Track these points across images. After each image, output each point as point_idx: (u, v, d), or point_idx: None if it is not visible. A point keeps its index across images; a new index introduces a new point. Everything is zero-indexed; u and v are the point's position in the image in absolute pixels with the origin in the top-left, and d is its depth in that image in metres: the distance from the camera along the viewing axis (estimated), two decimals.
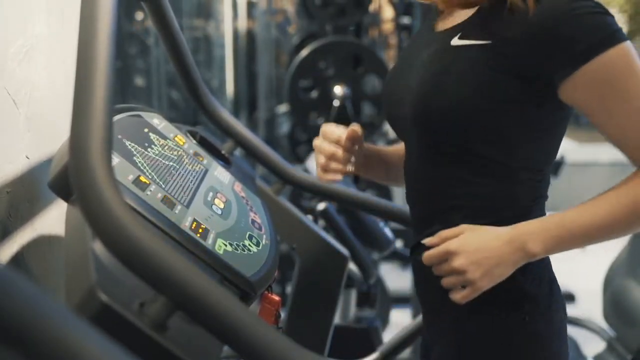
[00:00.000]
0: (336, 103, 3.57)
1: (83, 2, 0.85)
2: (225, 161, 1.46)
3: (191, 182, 1.14)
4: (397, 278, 4.50)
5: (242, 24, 5.80)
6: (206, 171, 1.27)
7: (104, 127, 0.75)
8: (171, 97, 4.46)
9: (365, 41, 4.04)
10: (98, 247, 0.74)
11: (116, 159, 0.98)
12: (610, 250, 3.06)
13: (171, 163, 1.15)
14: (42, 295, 0.49)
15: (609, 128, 1.01)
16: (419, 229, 1.16)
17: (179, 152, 1.23)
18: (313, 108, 3.67)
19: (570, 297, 4.22)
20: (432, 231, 1.08)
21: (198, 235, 0.98)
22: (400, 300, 3.93)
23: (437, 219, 1.11)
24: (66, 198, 0.93)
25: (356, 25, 3.86)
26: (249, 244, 1.10)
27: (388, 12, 6.14)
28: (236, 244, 1.06)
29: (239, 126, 1.58)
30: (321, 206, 2.07)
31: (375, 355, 1.62)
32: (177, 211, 1.00)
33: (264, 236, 1.19)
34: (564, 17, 0.97)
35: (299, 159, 4.14)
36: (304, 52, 3.62)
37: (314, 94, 3.66)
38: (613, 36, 0.96)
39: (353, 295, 2.83)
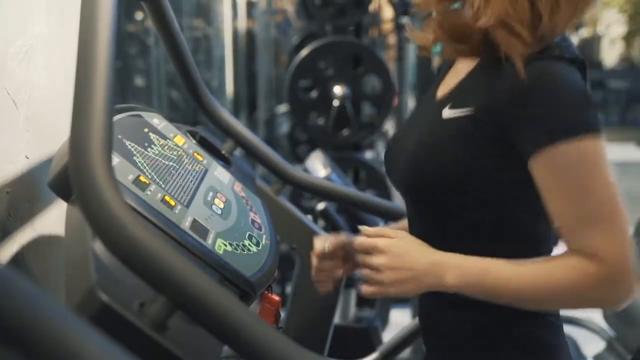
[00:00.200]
0: (336, 103, 3.57)
1: (83, 2, 0.85)
2: (225, 161, 1.46)
3: (191, 182, 1.14)
4: None
5: (242, 23, 5.80)
6: (206, 171, 1.27)
7: (104, 127, 0.75)
8: (171, 97, 4.46)
9: (365, 41, 4.04)
10: (98, 247, 0.74)
11: (116, 159, 0.98)
12: None
13: (171, 163, 1.15)
14: (42, 295, 0.49)
15: (554, 209, 1.00)
16: None
17: (179, 152, 1.23)
18: (313, 108, 3.67)
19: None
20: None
21: (198, 235, 0.98)
22: (400, 300, 3.92)
23: None
24: (66, 198, 0.93)
25: (356, 25, 3.86)
26: (249, 244, 1.10)
27: (388, 12, 6.14)
28: (236, 243, 1.06)
29: (239, 126, 1.58)
30: (321, 206, 2.07)
31: (375, 355, 1.62)
32: (177, 211, 1.00)
33: (264, 236, 1.19)
34: (541, 95, 0.97)
35: (299, 159, 4.14)
36: (304, 52, 3.62)
37: (314, 94, 3.66)
38: (582, 127, 0.96)
39: (353, 295, 2.83)
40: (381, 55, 4.30)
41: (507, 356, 1.08)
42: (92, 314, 0.71)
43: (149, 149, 1.12)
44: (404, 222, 1.32)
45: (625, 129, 8.55)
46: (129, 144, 1.06)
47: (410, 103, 5.51)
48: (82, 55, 0.80)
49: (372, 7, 4.25)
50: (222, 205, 1.16)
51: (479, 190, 1.04)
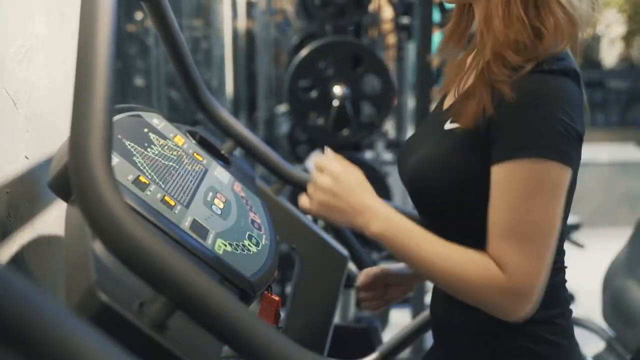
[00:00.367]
0: (336, 103, 3.56)
1: (83, 2, 0.85)
2: (225, 161, 1.46)
3: (191, 182, 1.14)
4: None
5: (242, 23, 5.80)
6: (206, 171, 1.27)
7: (103, 127, 0.75)
8: (171, 97, 4.45)
9: (365, 41, 4.04)
10: (98, 247, 0.74)
11: (116, 159, 0.98)
12: (609, 250, 3.06)
13: (171, 163, 1.15)
14: (41, 296, 0.49)
15: (492, 214, 1.02)
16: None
17: (179, 152, 1.23)
18: (312, 108, 3.67)
19: (570, 297, 4.22)
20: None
21: (198, 235, 0.98)
22: (399, 300, 3.92)
23: None
24: (66, 198, 0.93)
25: (356, 25, 3.86)
26: (249, 244, 1.10)
27: (387, 12, 6.14)
28: (236, 244, 1.06)
29: (239, 126, 1.58)
30: None
31: (374, 355, 1.62)
32: (176, 211, 1.00)
33: (264, 236, 1.19)
34: (520, 111, 0.99)
35: (299, 159, 4.14)
36: (304, 52, 3.61)
37: (314, 94, 3.66)
38: (546, 151, 0.97)
39: (353, 295, 2.82)
40: (381, 55, 4.30)
41: (507, 352, 1.10)
42: (92, 314, 0.71)
43: (148, 149, 1.12)
44: None
45: (625, 129, 8.55)
46: (129, 144, 1.06)
47: (410, 103, 5.51)
48: (82, 55, 0.80)
49: (371, 7, 4.25)
50: (221, 206, 1.16)
51: (475, 199, 1.06)
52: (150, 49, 4.16)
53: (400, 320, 3.69)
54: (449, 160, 1.08)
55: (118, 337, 0.56)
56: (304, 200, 1.13)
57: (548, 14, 1.01)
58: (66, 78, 1.28)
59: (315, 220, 2.10)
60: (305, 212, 1.14)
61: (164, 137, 1.23)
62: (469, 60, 1.16)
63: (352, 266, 2.05)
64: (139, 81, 4.21)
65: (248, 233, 1.14)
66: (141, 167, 1.03)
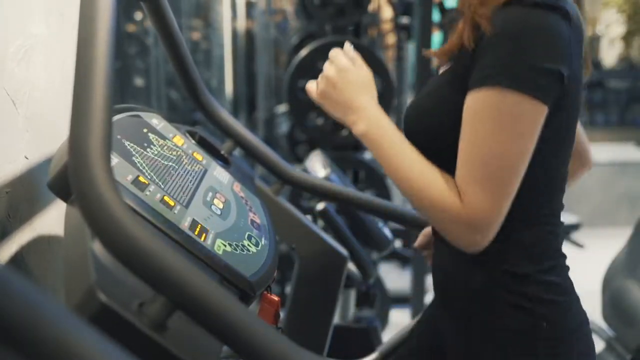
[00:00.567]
0: None
1: (82, 2, 0.85)
2: (225, 161, 1.46)
3: (190, 182, 1.14)
4: (396, 278, 4.50)
5: (241, 24, 5.80)
6: (205, 171, 1.27)
7: (103, 127, 0.75)
8: (170, 97, 4.45)
9: (365, 41, 4.04)
10: (97, 247, 0.74)
11: (115, 159, 0.98)
12: (609, 250, 3.06)
13: (170, 163, 1.15)
14: (41, 296, 0.49)
15: (460, 142, 1.02)
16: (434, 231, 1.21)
17: (178, 152, 1.23)
18: (312, 108, 3.67)
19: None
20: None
21: (197, 235, 0.98)
22: (399, 300, 3.93)
23: None
24: (65, 198, 0.93)
25: (355, 25, 3.86)
26: (248, 244, 1.10)
27: (387, 12, 6.14)
28: (235, 244, 1.06)
29: (238, 126, 1.58)
30: (320, 206, 2.07)
31: (374, 355, 1.62)
32: (176, 211, 1.00)
33: (263, 236, 1.19)
34: (496, 40, 0.98)
35: (298, 159, 4.14)
36: (303, 52, 3.61)
37: None
38: (518, 82, 0.96)
39: (352, 295, 2.83)
40: (380, 55, 4.30)
41: (501, 312, 1.08)
42: (92, 314, 0.71)
43: (148, 149, 1.11)
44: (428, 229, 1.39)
45: (624, 129, 8.54)
46: (128, 144, 1.06)
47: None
48: (82, 55, 0.80)
49: (371, 7, 4.24)
50: (221, 206, 1.16)
51: (455, 138, 1.05)
52: (149, 48, 4.16)
53: (400, 320, 3.69)
54: (439, 101, 1.10)
55: (118, 337, 0.56)
56: (311, 85, 1.19)
57: None
58: (66, 78, 1.28)
59: (314, 220, 2.10)
60: (309, 95, 1.20)
61: (164, 137, 1.23)
62: None
63: (351, 266, 2.05)
64: (138, 81, 4.21)
65: (247, 233, 1.14)
66: (140, 167, 1.03)
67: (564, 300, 1.10)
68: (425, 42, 3.24)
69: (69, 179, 0.73)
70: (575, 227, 4.97)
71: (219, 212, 1.13)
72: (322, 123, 3.62)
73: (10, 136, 1.09)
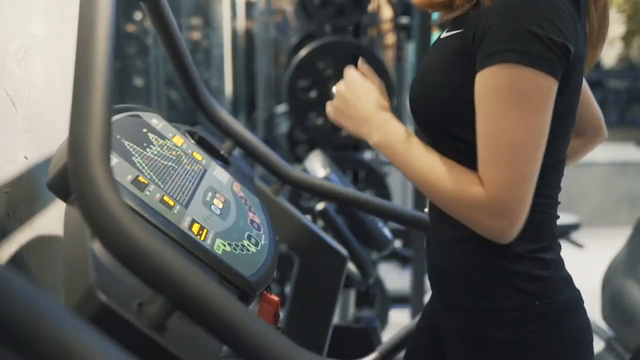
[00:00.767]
0: None
1: (82, 2, 0.85)
2: (224, 161, 1.46)
3: (190, 182, 1.14)
4: (396, 278, 4.50)
5: (241, 24, 5.80)
6: (205, 171, 1.27)
7: (102, 127, 0.75)
8: (170, 97, 4.45)
9: (364, 41, 4.03)
10: (97, 247, 0.74)
11: (115, 159, 0.98)
12: (609, 250, 3.06)
13: (170, 163, 1.15)
14: (41, 296, 0.49)
15: (477, 126, 1.00)
16: (432, 215, 1.20)
17: (178, 152, 1.23)
18: (312, 108, 3.67)
19: None
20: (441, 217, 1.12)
21: (197, 235, 0.98)
22: (399, 300, 3.93)
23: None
24: (65, 198, 0.93)
25: (355, 25, 3.86)
26: (248, 244, 1.10)
27: (387, 12, 6.14)
28: (235, 244, 1.06)
29: (238, 126, 1.58)
30: (320, 206, 2.07)
31: (374, 355, 1.62)
32: (175, 211, 1.00)
33: (263, 236, 1.19)
34: (502, 15, 0.97)
35: (298, 159, 4.14)
36: (303, 52, 3.61)
37: (313, 93, 3.66)
38: (528, 57, 0.94)
39: (352, 295, 2.83)
40: (380, 55, 4.30)
41: (494, 292, 1.08)
42: (91, 314, 0.71)
43: (147, 149, 1.11)
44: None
45: (624, 129, 8.55)
46: (128, 144, 1.06)
47: None
48: (81, 55, 0.80)
49: (371, 7, 4.24)
50: (221, 206, 1.16)
51: (470, 110, 1.03)
52: (149, 48, 4.16)
53: (399, 320, 3.69)
54: (442, 67, 1.08)
55: (117, 337, 0.56)
56: (328, 107, 1.21)
57: None
58: (65, 78, 1.28)
59: (314, 220, 2.10)
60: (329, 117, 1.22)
61: (163, 137, 1.23)
62: None
63: (351, 266, 2.05)
64: (138, 81, 4.21)
65: (247, 233, 1.14)
66: (140, 167, 1.03)
67: (557, 277, 1.10)
68: (424, 42, 3.24)
69: (68, 179, 0.73)
70: (575, 227, 4.97)
71: (218, 212, 1.13)
72: (321, 123, 3.62)
73: (10, 136, 1.09)
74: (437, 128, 1.10)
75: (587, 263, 3.39)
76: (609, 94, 9.31)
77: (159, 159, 1.12)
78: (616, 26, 9.27)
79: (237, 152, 1.59)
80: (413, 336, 1.39)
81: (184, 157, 1.24)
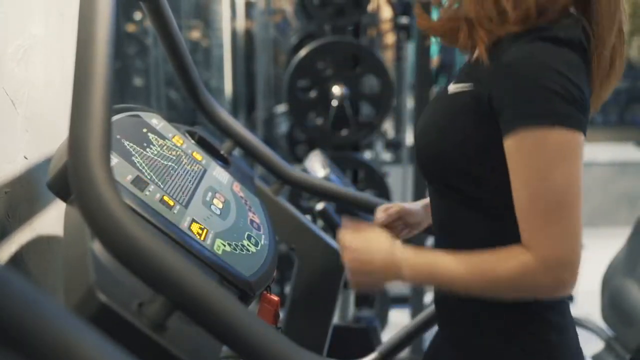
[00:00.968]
0: (335, 103, 3.56)
1: (82, 2, 0.85)
2: (224, 161, 1.46)
3: (190, 182, 1.14)
4: None
5: (241, 24, 5.80)
6: (205, 171, 1.27)
7: (102, 127, 0.75)
8: (170, 97, 4.45)
9: (364, 41, 4.03)
10: (97, 247, 0.74)
11: (115, 159, 0.98)
12: (608, 250, 3.06)
13: (170, 163, 1.15)
14: (41, 296, 0.49)
15: (514, 192, 1.01)
16: (436, 245, 1.22)
17: (178, 152, 1.23)
18: (311, 108, 3.67)
19: (569, 297, 4.22)
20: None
21: (197, 235, 0.98)
22: (399, 300, 3.93)
23: (442, 245, 1.18)
24: (65, 198, 0.93)
25: (354, 25, 3.85)
26: (248, 244, 1.10)
27: (386, 12, 6.14)
28: (235, 244, 1.06)
29: (238, 126, 1.58)
30: (320, 206, 2.07)
31: (374, 355, 1.62)
32: (175, 211, 1.00)
33: (263, 236, 1.19)
34: (520, 76, 0.98)
35: (298, 159, 4.14)
36: (303, 52, 3.61)
37: (313, 94, 3.66)
38: (553, 116, 0.96)
39: (352, 295, 2.83)
40: (380, 55, 4.29)
41: (519, 344, 1.10)
42: (91, 314, 0.71)
43: (147, 149, 1.11)
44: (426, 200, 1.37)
45: (624, 129, 8.54)
46: (128, 144, 1.06)
47: (409, 103, 5.51)
48: (81, 55, 0.80)
49: (370, 7, 4.24)
50: (221, 206, 1.16)
51: (477, 167, 1.06)
52: (149, 49, 4.16)
53: (399, 320, 3.69)
54: (449, 123, 1.09)
55: (117, 337, 0.56)
56: (348, 278, 1.14)
57: None
58: (65, 78, 1.28)
59: (314, 220, 2.10)
60: (355, 288, 1.16)
61: (163, 137, 1.23)
62: None
63: None
64: (137, 81, 4.21)
65: (247, 233, 1.14)
66: (140, 167, 1.03)
67: (571, 326, 1.13)
68: (424, 42, 3.24)
69: (68, 179, 0.73)
70: None
71: (218, 212, 1.13)
72: (321, 123, 3.62)
73: (10, 136, 1.09)
74: (443, 180, 1.12)
75: (587, 263, 3.40)
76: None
77: (159, 159, 1.12)
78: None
79: (237, 152, 1.59)
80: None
81: (184, 157, 1.24)
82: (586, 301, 3.62)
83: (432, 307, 1.47)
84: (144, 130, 1.19)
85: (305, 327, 1.71)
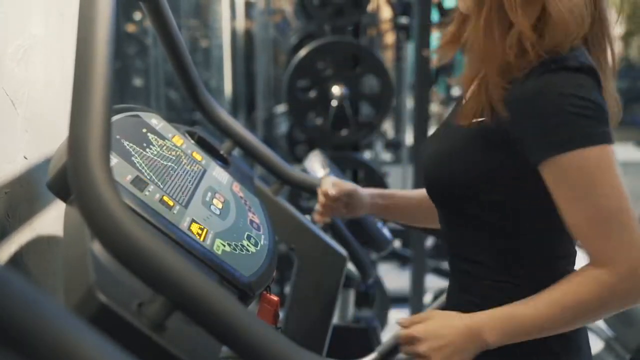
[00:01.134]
0: (334, 103, 3.56)
1: (82, 2, 0.85)
2: (224, 161, 1.46)
3: (189, 183, 1.14)
4: (395, 278, 4.50)
5: (240, 24, 5.80)
6: (204, 171, 1.27)
7: (102, 127, 0.75)
8: (169, 97, 4.45)
9: (364, 41, 4.04)
10: (97, 247, 0.74)
11: (115, 159, 0.98)
12: None
13: (169, 163, 1.15)
14: (40, 296, 0.49)
15: (567, 217, 1.03)
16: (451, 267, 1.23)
17: (178, 153, 1.23)
18: (311, 108, 3.67)
19: None
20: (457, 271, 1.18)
21: (196, 235, 0.98)
22: (398, 300, 3.93)
23: (456, 266, 1.20)
24: (65, 198, 0.93)
25: (354, 25, 3.86)
26: (248, 244, 1.10)
27: (386, 12, 6.14)
28: (234, 244, 1.06)
29: (238, 126, 1.58)
30: None
31: (373, 355, 1.62)
32: (175, 211, 1.00)
33: (263, 236, 1.19)
34: (544, 106, 1.00)
35: (298, 159, 4.14)
36: (302, 52, 3.61)
37: (312, 94, 3.66)
38: (587, 137, 0.99)
39: (351, 295, 2.82)
40: (379, 55, 4.30)
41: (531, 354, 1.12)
42: (91, 315, 0.71)
43: (147, 150, 1.11)
44: (420, 191, 1.39)
45: (624, 129, 8.56)
46: (128, 145, 1.06)
47: (409, 103, 5.51)
48: (81, 55, 0.80)
49: (370, 7, 4.24)
50: (220, 206, 1.16)
51: (489, 196, 1.09)
52: (149, 49, 4.16)
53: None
54: (462, 154, 1.11)
55: (117, 337, 0.56)
56: None
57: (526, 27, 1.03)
58: (65, 78, 1.28)
59: (313, 220, 2.10)
60: None
61: (163, 138, 1.23)
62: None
63: (350, 266, 2.05)
64: (137, 81, 4.21)
65: (247, 233, 1.14)
66: (140, 168, 1.03)
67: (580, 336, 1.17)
68: (424, 42, 3.24)
69: (68, 179, 0.73)
70: None
71: (218, 212, 1.13)
72: (321, 123, 3.62)
73: (10, 136, 1.09)
74: (455, 206, 1.15)
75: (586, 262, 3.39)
76: None
77: (159, 159, 1.12)
78: (615, 26, 9.27)
79: (236, 152, 1.59)
80: None
81: (183, 157, 1.24)
82: None
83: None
84: (144, 130, 1.19)
85: (305, 327, 1.71)
